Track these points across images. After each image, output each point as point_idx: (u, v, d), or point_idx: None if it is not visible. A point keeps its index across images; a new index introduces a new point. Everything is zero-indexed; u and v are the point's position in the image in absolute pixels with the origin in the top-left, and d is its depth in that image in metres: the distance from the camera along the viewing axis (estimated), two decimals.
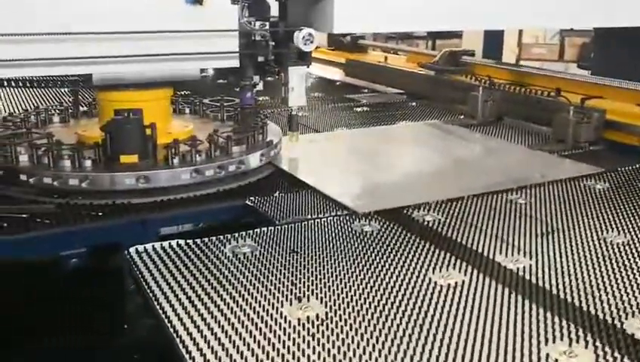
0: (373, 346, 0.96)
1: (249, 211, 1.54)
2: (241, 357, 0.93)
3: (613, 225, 1.46)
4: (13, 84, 1.87)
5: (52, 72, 1.48)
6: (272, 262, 1.24)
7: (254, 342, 0.97)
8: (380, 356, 0.94)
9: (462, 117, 2.61)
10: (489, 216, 1.51)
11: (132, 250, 1.27)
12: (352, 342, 0.97)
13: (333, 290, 1.13)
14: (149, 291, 1.13)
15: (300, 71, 1.74)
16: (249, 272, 1.20)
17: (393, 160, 2.10)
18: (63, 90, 2.77)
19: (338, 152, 2.14)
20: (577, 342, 0.98)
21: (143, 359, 1.30)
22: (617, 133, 2.22)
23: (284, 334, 0.99)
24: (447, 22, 1.84)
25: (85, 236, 1.40)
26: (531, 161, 2.04)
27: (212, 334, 0.99)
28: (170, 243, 1.30)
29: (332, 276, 1.19)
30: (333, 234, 1.38)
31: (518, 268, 1.23)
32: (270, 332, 1.00)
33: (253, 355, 0.93)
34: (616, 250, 1.33)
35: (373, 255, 1.28)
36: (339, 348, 0.95)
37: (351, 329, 1.00)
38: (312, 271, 1.20)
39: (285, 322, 1.02)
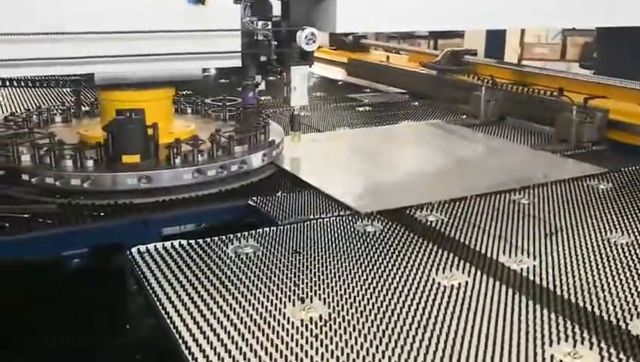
0: (377, 347, 0.95)
1: (251, 211, 1.54)
2: (244, 359, 0.93)
3: (617, 226, 1.46)
4: (15, 83, 1.87)
5: (53, 72, 1.48)
6: (274, 262, 1.24)
7: (257, 343, 0.96)
8: (383, 357, 0.93)
9: (464, 117, 2.60)
10: (492, 216, 1.50)
11: (134, 250, 1.26)
12: (356, 343, 0.96)
13: (336, 291, 1.12)
14: (151, 291, 1.12)
15: (303, 70, 1.74)
16: (251, 273, 1.19)
17: (395, 160, 2.09)
18: (65, 90, 2.77)
19: (340, 152, 2.13)
20: (582, 343, 0.97)
21: (144, 360, 1.29)
22: (620, 132, 2.22)
23: (287, 335, 0.98)
24: (448, 21, 1.85)
25: (87, 236, 1.40)
26: (534, 160, 2.04)
27: (214, 335, 0.98)
28: (172, 243, 1.30)
29: (335, 277, 1.18)
30: (336, 235, 1.37)
31: (521, 269, 1.23)
32: (273, 333, 0.99)
33: (255, 356, 0.93)
34: (620, 251, 1.32)
35: (376, 255, 1.27)
36: (342, 349, 0.95)
37: (354, 331, 1.00)
38: (314, 272, 1.20)
39: (288, 323, 1.02)
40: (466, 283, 1.17)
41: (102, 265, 1.38)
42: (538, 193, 1.66)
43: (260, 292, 1.12)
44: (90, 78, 1.56)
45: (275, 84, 1.91)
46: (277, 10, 1.70)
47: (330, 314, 1.05)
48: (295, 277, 1.18)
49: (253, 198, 1.56)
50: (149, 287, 1.13)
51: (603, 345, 0.97)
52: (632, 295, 1.13)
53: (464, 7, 1.79)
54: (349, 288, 1.14)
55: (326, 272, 1.20)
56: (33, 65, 1.40)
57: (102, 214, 1.46)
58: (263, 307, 1.07)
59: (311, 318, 1.03)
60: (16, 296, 1.31)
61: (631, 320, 1.05)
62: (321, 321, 1.03)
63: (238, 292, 1.12)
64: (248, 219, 1.52)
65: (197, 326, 1.01)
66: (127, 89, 1.67)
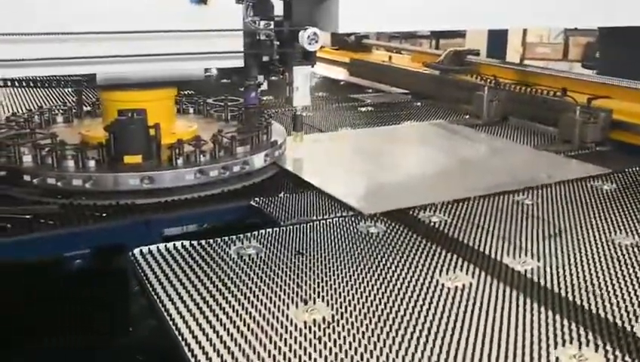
0: (381, 349, 0.95)
1: (253, 212, 1.53)
2: (247, 361, 0.92)
3: (622, 227, 1.45)
4: (16, 84, 1.86)
5: (54, 72, 1.48)
6: (277, 263, 1.23)
7: (260, 345, 0.96)
8: (387, 360, 0.93)
9: (467, 117, 2.60)
10: (496, 217, 1.49)
11: (136, 251, 1.26)
12: (360, 345, 0.96)
13: (340, 293, 1.12)
14: (153, 293, 1.12)
15: (305, 70, 1.73)
16: (254, 274, 1.19)
17: (398, 160, 2.08)
18: (66, 90, 2.77)
19: (343, 152, 2.13)
20: (587, 345, 0.97)
21: (146, 361, 1.29)
22: (624, 133, 2.20)
23: (291, 337, 0.98)
24: (450, 21, 1.84)
25: (89, 237, 1.39)
26: (537, 161, 2.03)
27: (217, 337, 0.98)
28: (174, 244, 1.29)
29: (338, 278, 1.17)
30: (339, 236, 1.37)
31: (525, 270, 1.22)
32: (276, 335, 0.98)
33: (258, 359, 0.92)
34: (624, 252, 1.32)
35: (379, 257, 1.27)
36: (346, 351, 0.94)
37: (358, 333, 0.99)
38: (317, 273, 1.19)
39: (291, 325, 1.01)
40: (470, 284, 1.16)
41: (104, 266, 1.37)
42: (542, 194, 1.65)
43: (263, 294, 1.11)
44: (92, 78, 1.56)
45: (277, 84, 1.91)
46: (279, 10, 1.69)
47: (333, 316, 1.04)
48: (298, 278, 1.17)
49: (256, 199, 1.56)
50: (151, 288, 1.13)
51: (609, 347, 0.96)
52: (637, 296, 1.12)
53: (465, 7, 1.79)
54: (352, 290, 1.13)
55: (329, 274, 1.19)
56: (34, 66, 1.40)
57: (104, 215, 1.45)
58: (265, 309, 1.06)
59: (314, 320, 1.03)
60: (18, 298, 1.31)
61: (636, 321, 1.04)
62: (324, 323, 1.02)
63: (241, 294, 1.11)
64: (251, 220, 1.51)
65: (199, 327, 1.00)
66: (129, 89, 1.67)
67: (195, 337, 0.98)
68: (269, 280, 1.16)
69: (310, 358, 0.93)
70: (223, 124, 1.99)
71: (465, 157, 2.07)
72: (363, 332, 0.99)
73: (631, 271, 1.23)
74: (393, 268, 1.22)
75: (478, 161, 2.06)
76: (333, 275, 1.18)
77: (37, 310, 1.33)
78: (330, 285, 1.15)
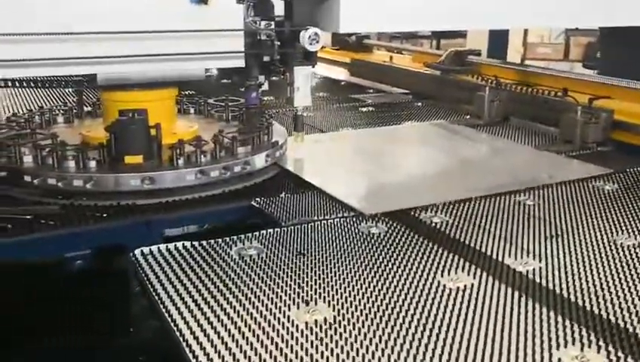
0: (382, 351, 0.95)
1: (255, 212, 1.53)
2: None
3: (623, 227, 1.45)
4: (17, 84, 1.86)
5: (55, 72, 1.47)
6: (278, 264, 1.23)
7: (261, 346, 0.95)
8: (389, 361, 0.92)
9: (468, 117, 2.59)
10: (497, 217, 1.49)
11: (137, 251, 1.26)
12: (361, 346, 0.96)
13: (341, 293, 1.12)
14: (154, 293, 1.11)
15: (305, 71, 1.73)
16: (255, 275, 1.18)
17: (399, 160, 2.08)
18: (67, 91, 2.76)
19: (344, 153, 2.12)
20: (589, 346, 0.96)
21: (148, 361, 1.29)
22: (625, 133, 2.20)
23: (292, 338, 0.98)
24: (450, 21, 1.85)
25: (90, 237, 1.39)
26: (538, 161, 2.02)
27: (218, 338, 0.98)
28: (175, 245, 1.29)
29: (339, 279, 1.17)
30: (340, 236, 1.36)
31: (527, 271, 1.22)
32: (277, 336, 0.98)
33: (260, 360, 0.92)
34: (626, 253, 1.31)
35: (380, 257, 1.26)
36: (347, 352, 0.94)
37: (359, 334, 0.99)
38: (319, 274, 1.19)
39: (293, 326, 1.01)
40: (472, 285, 1.16)
41: (104, 267, 1.37)
42: (543, 194, 1.65)
43: (264, 295, 1.11)
44: (93, 79, 1.56)
45: (278, 84, 1.91)
46: (280, 10, 1.69)
47: (334, 317, 1.04)
48: (299, 279, 1.17)
49: (257, 199, 1.56)
50: (152, 289, 1.13)
51: (611, 348, 0.96)
52: (639, 297, 1.12)
53: (466, 7, 1.79)
54: (353, 290, 1.13)
55: (330, 274, 1.19)
56: (35, 66, 1.40)
57: (104, 215, 1.45)
58: (267, 309, 1.06)
59: (315, 321, 1.03)
60: (18, 298, 1.31)
61: (638, 322, 1.04)
62: (325, 324, 1.02)
63: (242, 295, 1.11)
64: (252, 221, 1.51)
65: (200, 328, 1.00)
66: (130, 89, 1.66)
67: (196, 338, 0.98)
68: (270, 280, 1.16)
69: (311, 359, 0.92)
70: (224, 125, 1.99)
71: (466, 157, 2.07)
72: (364, 333, 0.99)
73: (633, 271, 1.23)
74: (394, 268, 1.22)
75: (479, 162, 2.06)
76: (335, 276, 1.18)
77: (37, 310, 1.32)
78: (332, 286, 1.14)
